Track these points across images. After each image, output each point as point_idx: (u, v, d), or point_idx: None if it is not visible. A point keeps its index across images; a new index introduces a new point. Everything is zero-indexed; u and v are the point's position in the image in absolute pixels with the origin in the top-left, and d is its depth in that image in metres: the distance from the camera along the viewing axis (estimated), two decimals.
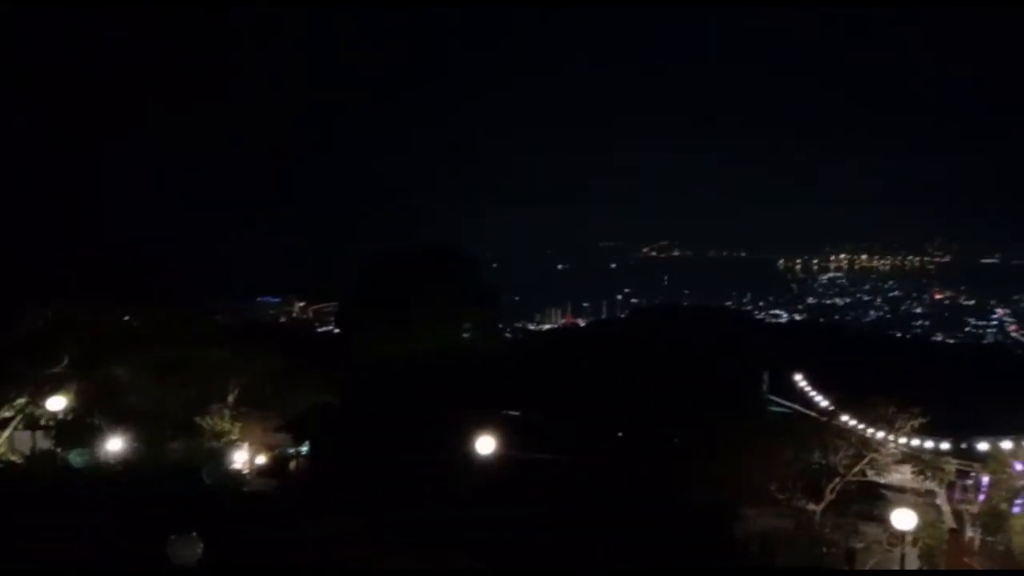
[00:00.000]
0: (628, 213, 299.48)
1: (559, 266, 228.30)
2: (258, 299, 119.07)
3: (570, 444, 30.25)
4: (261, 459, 30.02)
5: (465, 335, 52.90)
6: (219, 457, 27.01)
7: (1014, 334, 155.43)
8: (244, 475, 28.49)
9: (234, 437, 28.05)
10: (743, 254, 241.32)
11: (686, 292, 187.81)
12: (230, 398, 28.84)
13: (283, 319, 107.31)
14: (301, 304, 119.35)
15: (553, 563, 18.26)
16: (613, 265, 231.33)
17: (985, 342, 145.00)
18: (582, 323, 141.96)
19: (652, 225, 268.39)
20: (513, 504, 21.67)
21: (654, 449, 31.06)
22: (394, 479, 24.55)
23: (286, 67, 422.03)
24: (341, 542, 17.78)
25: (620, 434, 35.52)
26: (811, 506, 23.27)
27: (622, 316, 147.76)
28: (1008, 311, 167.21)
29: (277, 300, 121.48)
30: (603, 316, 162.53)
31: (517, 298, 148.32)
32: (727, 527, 23.88)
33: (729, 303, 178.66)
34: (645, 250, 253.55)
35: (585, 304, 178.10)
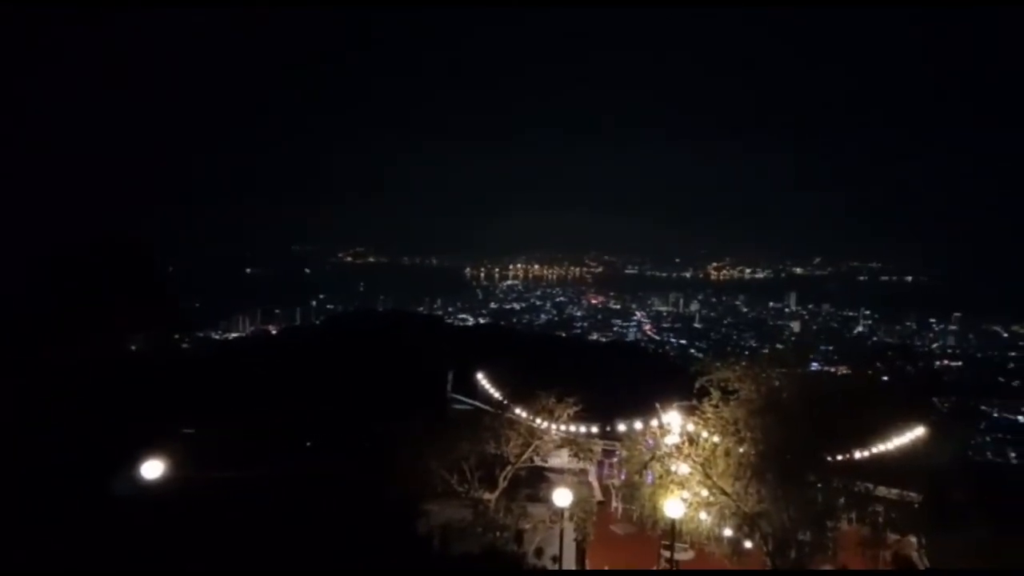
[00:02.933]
0: (326, 217, 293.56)
1: (248, 270, 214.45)
2: None
3: (255, 457, 28.55)
4: None
5: (133, 345, 46.71)
6: None
7: (648, 332, 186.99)
8: None
9: None
10: (434, 261, 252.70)
11: (382, 298, 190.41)
12: None
13: None
14: None
15: None
16: (308, 270, 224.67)
17: (628, 339, 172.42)
18: (274, 331, 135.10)
19: (350, 230, 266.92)
20: (187, 531, 19.71)
21: (344, 452, 30.89)
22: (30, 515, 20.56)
23: None
24: None
25: (309, 443, 34.63)
26: (487, 495, 25.17)
27: (317, 323, 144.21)
28: (644, 313, 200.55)
29: None
30: (297, 323, 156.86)
31: (198, 304, 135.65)
32: (411, 523, 24.75)
33: (421, 308, 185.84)
34: (341, 255, 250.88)
35: (278, 311, 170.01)
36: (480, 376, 42.83)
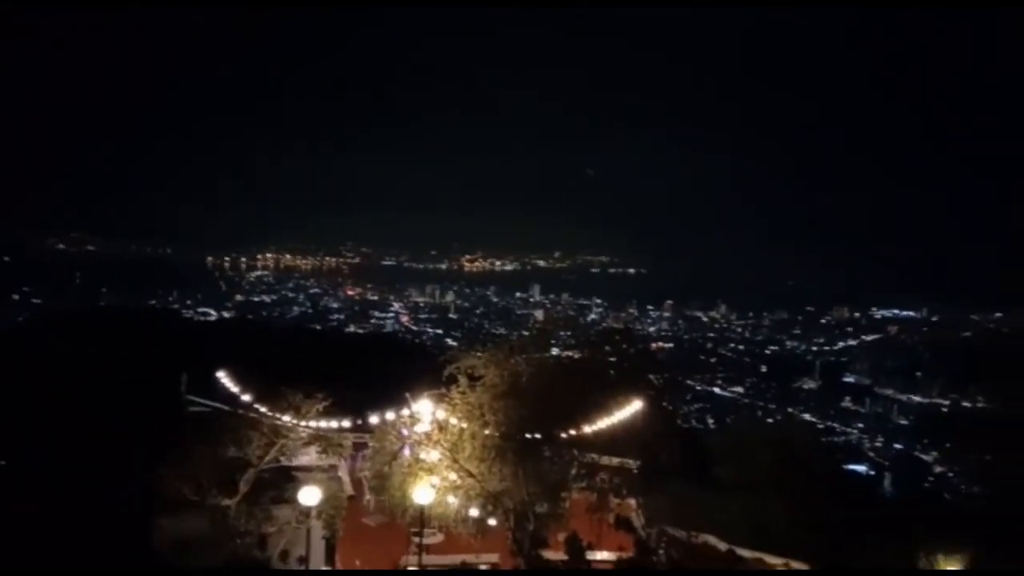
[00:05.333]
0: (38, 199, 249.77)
1: None
2: None
3: None
4: None
5: None
6: None
7: (406, 323, 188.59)
8: None
9: None
10: (168, 251, 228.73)
11: (104, 291, 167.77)
12: None
13: None
14: None
15: None
16: (7, 258, 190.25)
17: (385, 331, 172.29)
18: None
19: (61, 212, 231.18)
20: None
21: (51, 468, 26.83)
22: None
23: None
24: None
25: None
26: (226, 501, 23.57)
27: (20, 321, 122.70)
28: (402, 304, 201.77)
29: None
30: None
31: None
32: (141, 540, 22.33)
33: (154, 302, 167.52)
34: (51, 241, 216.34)
35: None
36: (222, 375, 39.80)
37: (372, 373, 58.98)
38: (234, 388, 37.76)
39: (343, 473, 32.11)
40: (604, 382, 37.25)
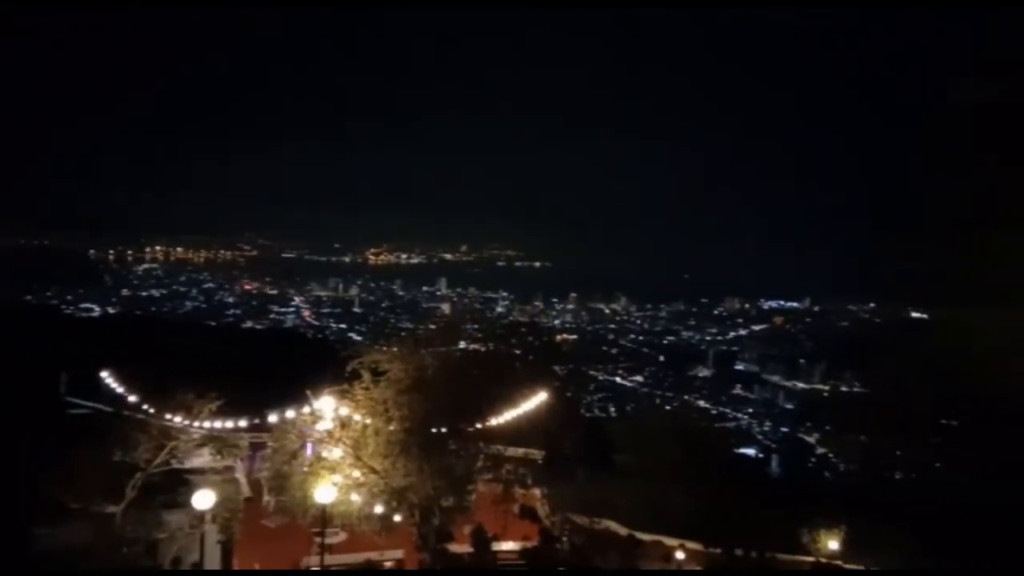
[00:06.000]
0: None
1: None
2: None
3: None
4: None
5: None
6: None
7: (308, 318, 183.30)
8: None
9: None
10: (46, 242, 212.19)
11: None
12: None
13: None
14: None
15: None
16: None
17: (286, 326, 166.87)
18: None
19: None
20: None
21: None
22: None
23: None
24: None
25: None
26: (112, 508, 22.20)
27: None
28: (303, 299, 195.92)
29: None
30: None
31: None
32: (16, 553, 20.68)
33: (30, 297, 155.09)
34: None
35: None
36: (106, 374, 37.35)
37: (271, 370, 57.07)
38: (120, 388, 35.53)
39: (240, 474, 30.86)
40: (510, 374, 37.57)
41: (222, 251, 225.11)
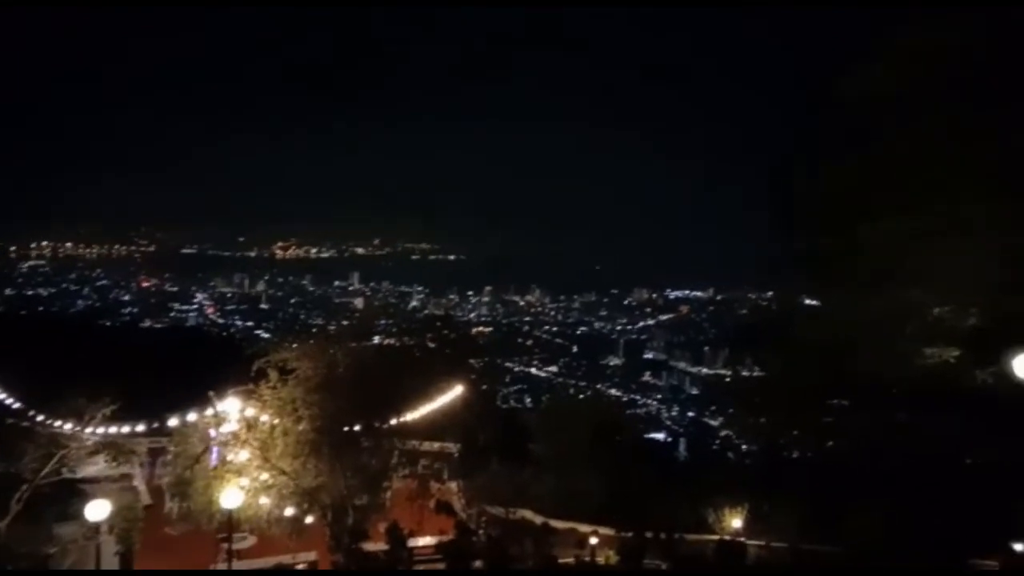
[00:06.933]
0: None
1: None
2: None
3: None
4: None
5: None
6: None
7: (211, 315, 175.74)
8: None
9: None
10: None
11: None
12: None
13: None
14: None
15: None
16: None
17: (188, 324, 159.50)
18: None
19: None
20: None
21: None
22: None
23: None
24: None
25: None
26: None
27: None
28: (207, 295, 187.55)
29: None
30: None
31: None
32: None
33: None
34: None
35: None
36: None
37: (171, 371, 54.37)
38: (1, 395, 32.94)
39: (139, 482, 29.30)
40: (426, 369, 37.38)
41: (117, 246, 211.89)
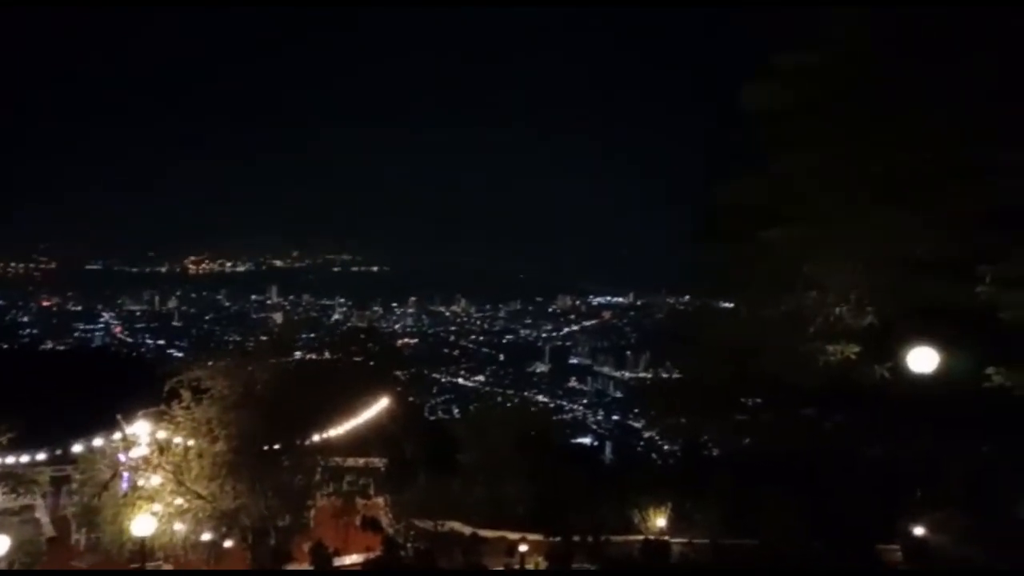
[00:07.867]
0: None
1: None
2: None
3: None
4: None
5: None
6: None
7: (119, 335, 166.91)
8: None
9: None
10: None
11: None
12: None
13: None
14: None
15: None
16: None
17: (94, 345, 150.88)
18: None
19: None
20: None
21: None
22: None
23: None
24: None
25: None
26: None
27: None
28: (113, 314, 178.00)
29: None
30: None
31: None
32: None
33: None
34: None
35: None
36: None
37: (76, 395, 51.52)
38: None
39: (41, 513, 27.54)
40: (350, 383, 36.73)
41: (12, 264, 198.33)
